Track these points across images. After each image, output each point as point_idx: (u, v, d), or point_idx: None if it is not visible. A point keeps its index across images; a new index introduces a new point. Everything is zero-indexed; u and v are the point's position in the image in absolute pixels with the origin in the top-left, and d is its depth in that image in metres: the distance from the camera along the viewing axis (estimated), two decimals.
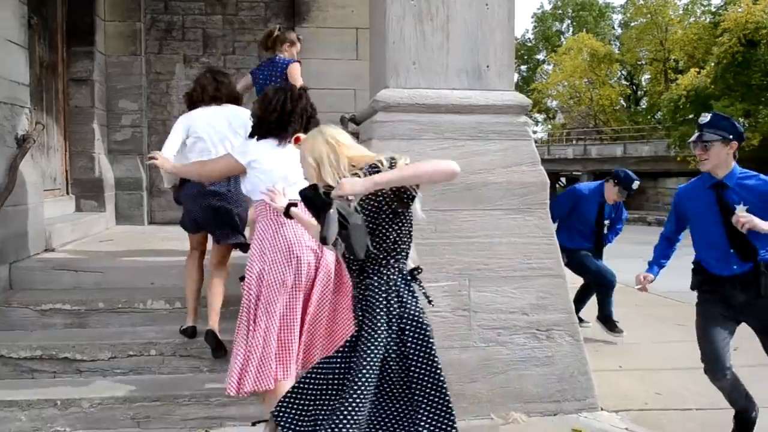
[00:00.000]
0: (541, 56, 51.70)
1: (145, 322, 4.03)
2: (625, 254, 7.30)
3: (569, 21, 51.14)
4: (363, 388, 2.26)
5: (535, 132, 54.21)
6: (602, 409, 3.71)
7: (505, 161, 3.86)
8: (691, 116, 25.49)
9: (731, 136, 3.12)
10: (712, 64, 24.83)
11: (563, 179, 40.03)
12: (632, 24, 40.46)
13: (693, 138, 3.22)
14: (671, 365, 4.45)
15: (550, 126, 48.85)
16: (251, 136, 3.15)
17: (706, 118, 3.20)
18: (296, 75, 4.60)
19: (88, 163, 6.64)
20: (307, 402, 2.40)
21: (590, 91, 41.31)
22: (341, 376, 2.36)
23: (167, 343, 3.76)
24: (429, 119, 3.84)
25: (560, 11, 51.40)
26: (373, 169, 2.26)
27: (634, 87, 44.38)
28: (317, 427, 2.34)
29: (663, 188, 29.02)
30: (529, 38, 53.49)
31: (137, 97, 7.15)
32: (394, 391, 2.35)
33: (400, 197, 2.27)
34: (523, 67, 53.34)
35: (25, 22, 4.76)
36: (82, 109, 6.60)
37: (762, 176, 3.18)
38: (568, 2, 50.53)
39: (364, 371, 2.26)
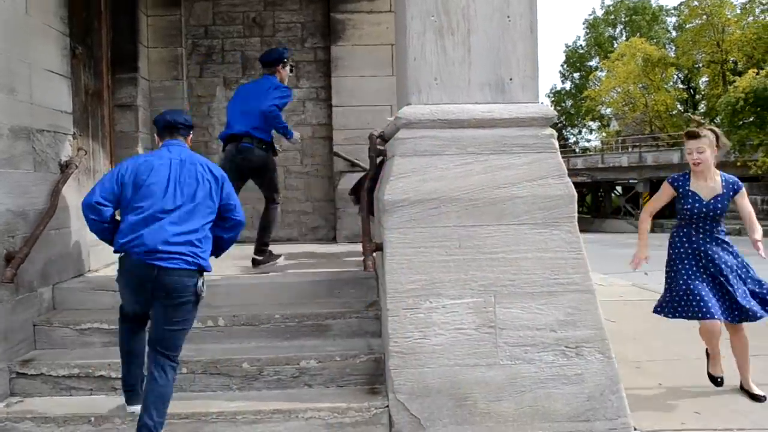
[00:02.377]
0: (593, 63, 50.81)
1: None
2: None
3: (622, 26, 50.16)
4: None
5: (588, 140, 53.35)
6: (635, 429, 3.59)
7: (530, 175, 3.81)
8: (750, 119, 24.64)
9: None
10: None
11: (619, 188, 39.11)
12: (687, 26, 39.38)
13: None
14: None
15: (604, 134, 47.87)
16: None
17: None
18: None
19: None
20: None
21: (645, 96, 40.34)
22: None
23: (198, 361, 3.84)
24: (451, 134, 3.83)
25: (612, 17, 50.48)
26: None
27: (692, 91, 43.12)
28: None
29: None
30: (581, 45, 52.72)
31: None
32: None
33: None
34: (576, 75, 52.56)
35: (68, 52, 4.97)
36: (127, 133, 6.84)
37: None
38: (621, 7, 49.61)
39: None
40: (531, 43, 3.98)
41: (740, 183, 4.26)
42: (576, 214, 3.83)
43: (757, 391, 4.07)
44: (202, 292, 3.33)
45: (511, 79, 3.95)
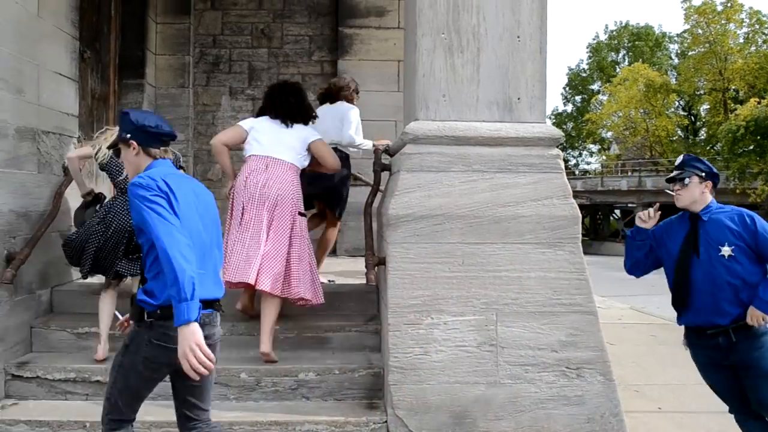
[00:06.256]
0: (595, 86, 51.06)
1: None
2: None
3: (625, 51, 50.48)
4: None
5: (589, 163, 53.50)
6: None
7: (535, 194, 3.80)
8: (751, 147, 24.75)
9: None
10: None
11: (617, 211, 39.15)
12: (690, 53, 39.64)
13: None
14: (714, 408, 4.23)
15: (604, 157, 48.01)
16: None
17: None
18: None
19: None
20: None
21: (646, 121, 40.50)
22: None
23: None
24: (457, 151, 3.83)
25: (616, 41, 50.82)
26: None
27: (693, 117, 43.32)
28: None
29: None
30: (583, 68, 53.01)
31: (184, 127, 7.39)
32: None
33: None
34: (578, 98, 52.80)
35: (77, 56, 4.99)
36: None
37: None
38: (624, 32, 49.97)
39: None
40: (540, 64, 3.99)
41: None
42: (580, 235, 3.83)
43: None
44: None
45: (519, 99, 3.96)
